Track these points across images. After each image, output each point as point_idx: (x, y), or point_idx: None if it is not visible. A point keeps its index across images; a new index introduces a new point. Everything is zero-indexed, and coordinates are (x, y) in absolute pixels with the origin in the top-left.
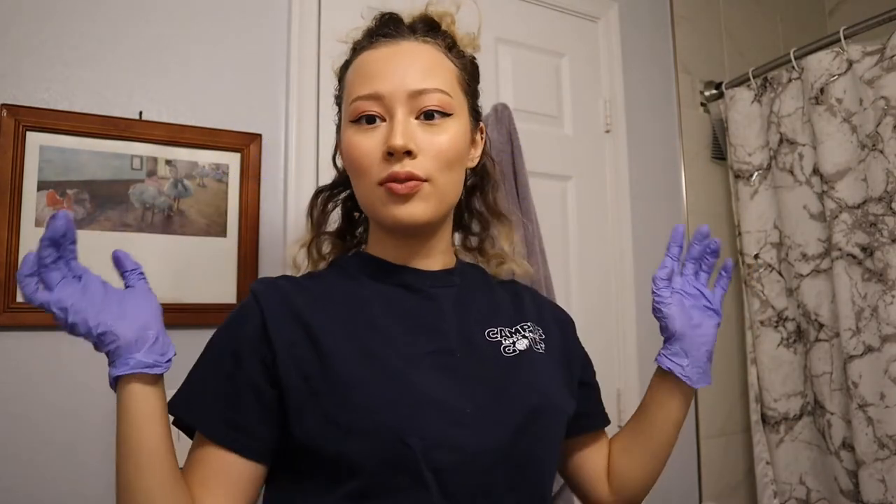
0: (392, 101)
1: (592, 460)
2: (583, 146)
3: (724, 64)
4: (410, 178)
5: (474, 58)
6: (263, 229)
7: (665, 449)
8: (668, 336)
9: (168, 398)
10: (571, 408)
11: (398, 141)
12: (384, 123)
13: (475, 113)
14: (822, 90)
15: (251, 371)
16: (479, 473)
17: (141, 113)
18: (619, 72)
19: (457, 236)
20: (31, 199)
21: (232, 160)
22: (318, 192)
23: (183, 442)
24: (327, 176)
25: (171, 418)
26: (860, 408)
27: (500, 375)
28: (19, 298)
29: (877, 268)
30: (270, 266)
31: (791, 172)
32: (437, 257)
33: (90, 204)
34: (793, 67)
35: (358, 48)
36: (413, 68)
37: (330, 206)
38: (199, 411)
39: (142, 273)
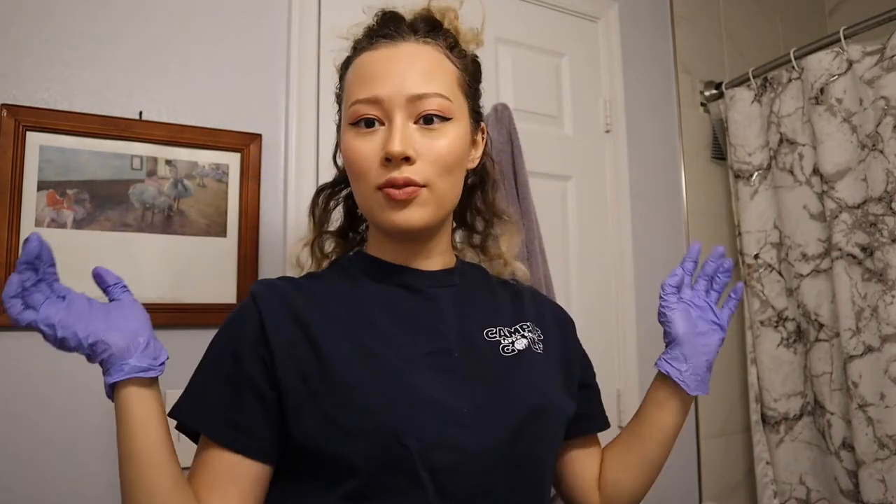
0: (391, 106)
1: (584, 467)
2: (583, 146)
3: (724, 64)
4: (408, 183)
5: (476, 56)
6: (263, 229)
7: (660, 456)
8: (670, 341)
9: (173, 401)
10: (571, 409)
11: (396, 147)
12: (383, 127)
13: (476, 114)
14: (822, 90)
15: (251, 372)
16: (479, 473)
17: (141, 113)
18: (619, 72)
19: (460, 233)
20: (31, 199)
21: (232, 160)
22: (320, 190)
23: (182, 443)
24: (327, 176)
25: (174, 423)
26: (860, 408)
27: (498, 375)
28: None
29: (877, 268)
30: (270, 266)
31: (791, 172)
32: (436, 258)
33: (90, 204)
34: (793, 67)
35: (358, 48)
36: (413, 71)
37: (332, 203)
38: (200, 414)
39: (125, 286)
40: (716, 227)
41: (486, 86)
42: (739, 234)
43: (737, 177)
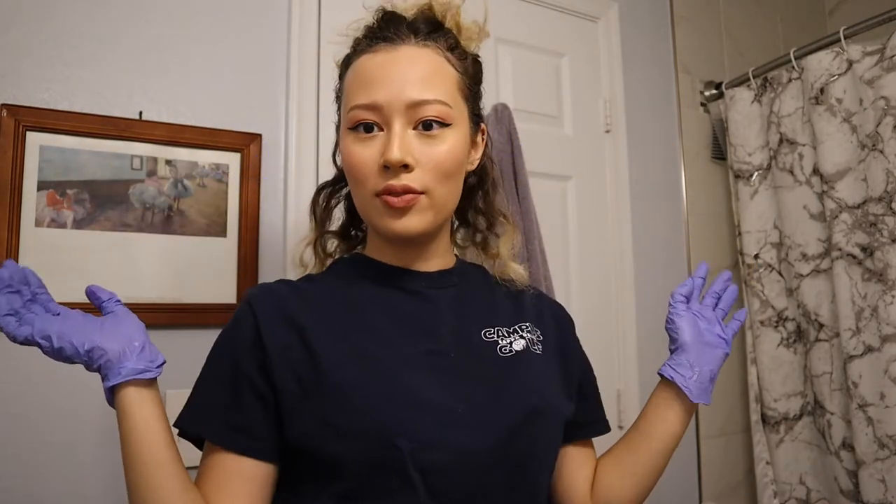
0: (390, 112)
1: (578, 473)
2: (583, 146)
3: (724, 64)
4: (407, 191)
5: (477, 56)
6: (263, 229)
7: (659, 464)
8: (676, 347)
9: (173, 401)
10: (569, 410)
11: (395, 155)
12: (382, 133)
13: (476, 117)
14: (822, 90)
15: (250, 374)
16: (476, 473)
17: (141, 113)
18: (619, 72)
19: (462, 231)
20: (31, 199)
21: (232, 160)
22: (321, 188)
23: (183, 443)
24: (327, 175)
25: (178, 431)
26: (860, 408)
27: (496, 375)
28: None
29: (877, 268)
30: (270, 266)
31: (791, 172)
32: (435, 259)
33: (90, 204)
34: (793, 67)
35: (358, 48)
36: (412, 77)
37: (333, 201)
38: (201, 418)
39: (118, 300)
40: (716, 227)
41: (486, 86)
42: (739, 234)
43: (737, 177)
